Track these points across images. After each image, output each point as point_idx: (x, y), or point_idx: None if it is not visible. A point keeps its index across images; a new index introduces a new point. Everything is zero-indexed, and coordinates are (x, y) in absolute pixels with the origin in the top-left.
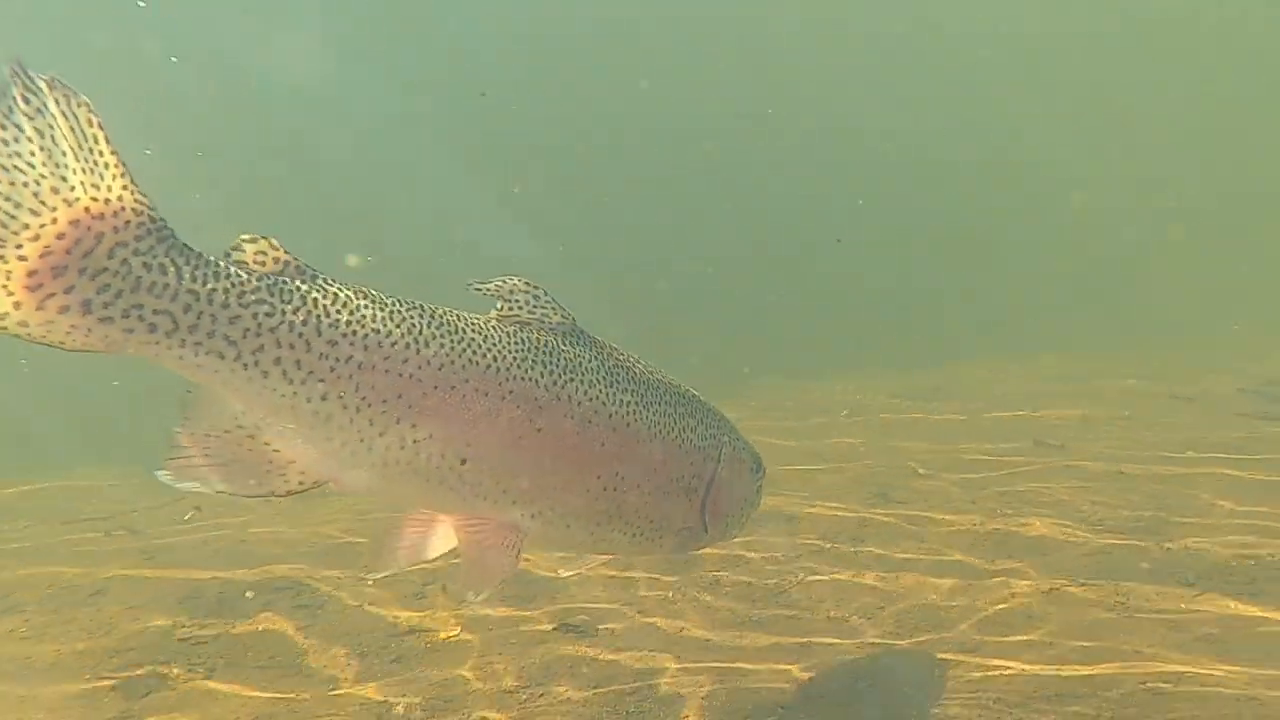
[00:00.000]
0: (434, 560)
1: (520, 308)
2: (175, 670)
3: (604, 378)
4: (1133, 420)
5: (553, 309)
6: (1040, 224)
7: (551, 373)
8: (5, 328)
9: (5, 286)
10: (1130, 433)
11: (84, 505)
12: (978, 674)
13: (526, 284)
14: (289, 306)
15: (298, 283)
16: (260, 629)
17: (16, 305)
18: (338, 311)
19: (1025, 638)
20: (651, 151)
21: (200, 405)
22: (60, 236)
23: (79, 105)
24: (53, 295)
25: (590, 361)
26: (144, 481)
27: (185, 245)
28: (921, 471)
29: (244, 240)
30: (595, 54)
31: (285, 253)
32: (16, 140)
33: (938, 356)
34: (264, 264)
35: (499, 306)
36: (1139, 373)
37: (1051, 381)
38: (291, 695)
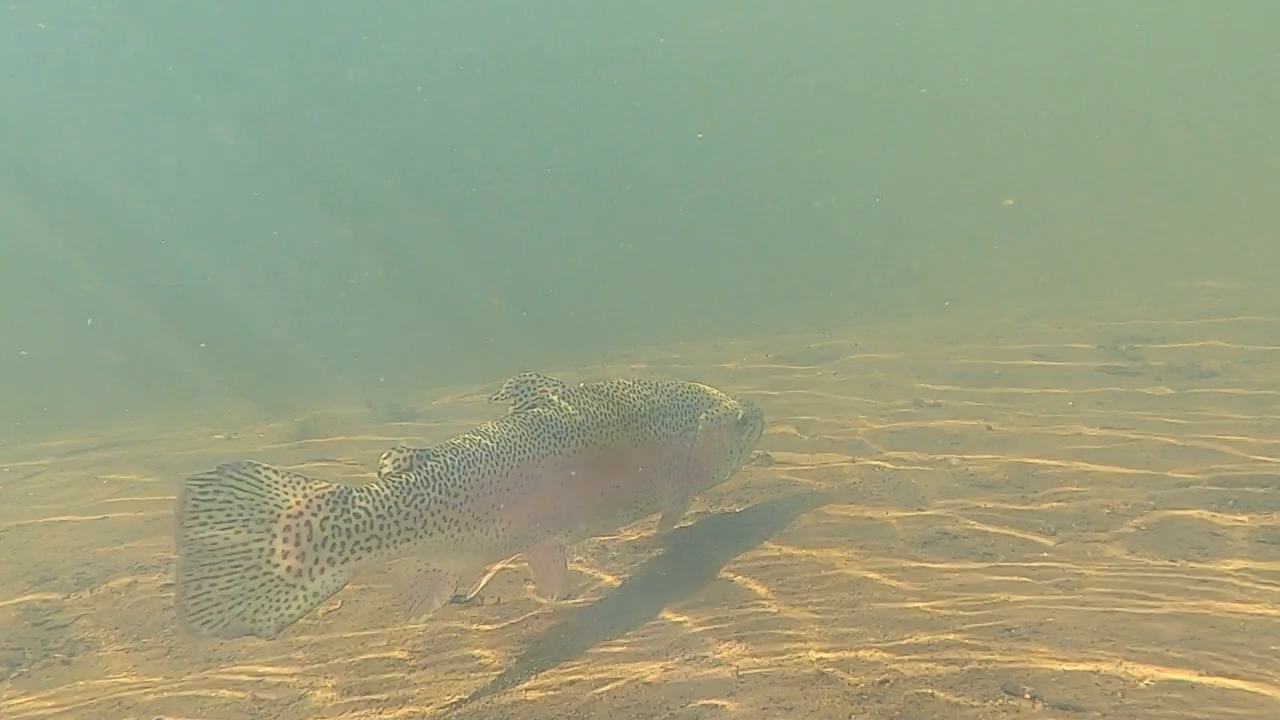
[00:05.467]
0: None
1: (526, 396)
2: (29, 655)
3: (598, 422)
4: (1000, 381)
5: (551, 386)
6: (903, 188)
7: (559, 438)
8: (311, 602)
9: (290, 584)
10: (997, 402)
11: None
12: None
13: (526, 377)
14: (426, 490)
15: (424, 469)
16: (126, 608)
17: (304, 588)
18: (447, 478)
19: None
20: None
21: (400, 570)
22: (285, 540)
23: (247, 466)
24: (310, 572)
25: (587, 413)
26: None
27: (357, 492)
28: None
29: (384, 460)
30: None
31: (408, 453)
32: (229, 519)
33: (814, 323)
34: (400, 465)
35: (514, 403)
36: (1005, 331)
37: (929, 341)
38: (158, 678)
